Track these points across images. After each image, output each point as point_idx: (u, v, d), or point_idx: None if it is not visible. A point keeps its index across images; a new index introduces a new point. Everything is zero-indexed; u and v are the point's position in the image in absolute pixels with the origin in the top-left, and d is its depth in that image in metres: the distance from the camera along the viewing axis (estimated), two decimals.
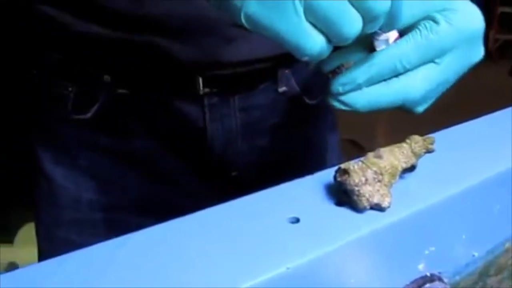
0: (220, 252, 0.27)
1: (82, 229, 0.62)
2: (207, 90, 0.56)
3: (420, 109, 0.40)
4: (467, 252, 0.36)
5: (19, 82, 0.64)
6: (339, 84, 0.38)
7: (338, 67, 0.39)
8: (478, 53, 0.41)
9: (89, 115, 0.56)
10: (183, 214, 0.30)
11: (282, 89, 0.61)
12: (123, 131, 0.57)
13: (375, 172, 0.31)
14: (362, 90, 0.38)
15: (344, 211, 0.30)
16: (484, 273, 0.38)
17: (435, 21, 0.38)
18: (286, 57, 0.54)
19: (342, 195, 0.31)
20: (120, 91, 0.55)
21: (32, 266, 0.26)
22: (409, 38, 0.38)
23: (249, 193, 0.33)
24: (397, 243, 0.31)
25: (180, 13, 0.51)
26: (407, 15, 0.38)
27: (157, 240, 0.28)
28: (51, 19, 0.54)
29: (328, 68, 0.40)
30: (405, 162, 0.33)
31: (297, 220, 0.29)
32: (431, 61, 0.39)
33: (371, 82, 0.38)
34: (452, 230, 0.34)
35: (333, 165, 0.33)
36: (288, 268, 0.26)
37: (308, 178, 0.34)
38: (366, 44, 0.38)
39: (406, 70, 0.38)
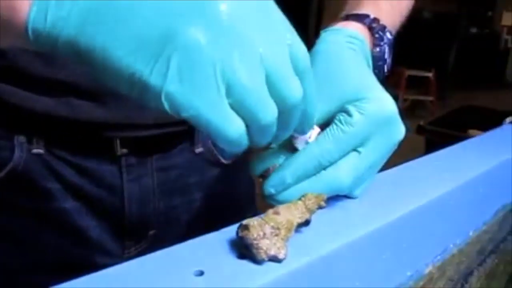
0: None
1: None
2: (124, 151, 0.57)
3: (357, 193, 0.42)
4: None
5: None
6: (269, 187, 0.40)
7: (266, 171, 0.41)
8: (398, 132, 0.42)
9: (2, 174, 0.56)
10: None
11: (198, 150, 0.64)
12: (39, 191, 0.57)
13: (273, 227, 0.34)
14: (294, 187, 0.40)
15: (245, 264, 0.33)
16: None
17: (348, 113, 0.41)
18: None
19: (243, 249, 0.34)
20: (35, 151, 0.56)
21: None
22: (328, 133, 0.40)
23: None
24: None
25: None
26: (320, 112, 0.41)
27: None
28: None
29: (256, 172, 0.42)
30: (300, 218, 0.36)
31: (201, 273, 0.32)
32: (354, 150, 0.41)
33: (300, 179, 0.40)
34: (345, 277, 0.38)
35: None
36: None
37: (214, 234, 0.37)
38: (288, 145, 0.41)
39: (331, 164, 0.40)
